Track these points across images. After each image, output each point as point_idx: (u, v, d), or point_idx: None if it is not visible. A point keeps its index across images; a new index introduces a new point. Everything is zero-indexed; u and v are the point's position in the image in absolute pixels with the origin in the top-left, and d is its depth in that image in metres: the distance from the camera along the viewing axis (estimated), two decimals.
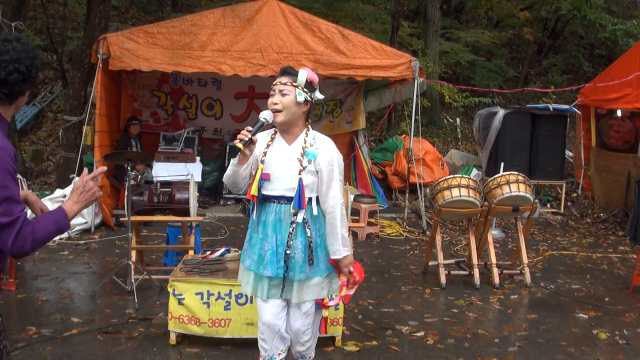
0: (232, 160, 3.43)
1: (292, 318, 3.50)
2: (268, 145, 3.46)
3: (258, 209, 3.46)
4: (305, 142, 3.42)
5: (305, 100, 3.39)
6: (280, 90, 3.36)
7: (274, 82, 3.42)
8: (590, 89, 11.66)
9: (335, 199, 3.39)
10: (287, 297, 3.43)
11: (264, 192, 3.42)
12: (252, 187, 3.42)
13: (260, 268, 3.41)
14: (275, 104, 3.35)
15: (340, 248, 3.40)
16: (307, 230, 3.40)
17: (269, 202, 3.42)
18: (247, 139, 3.24)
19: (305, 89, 3.38)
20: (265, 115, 3.36)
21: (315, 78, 3.46)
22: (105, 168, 2.68)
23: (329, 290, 3.51)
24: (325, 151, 3.42)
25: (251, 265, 3.45)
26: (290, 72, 3.43)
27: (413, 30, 18.34)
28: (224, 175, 3.52)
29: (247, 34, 9.39)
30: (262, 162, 3.40)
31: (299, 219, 3.37)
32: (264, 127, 3.36)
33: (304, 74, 3.40)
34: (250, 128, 3.28)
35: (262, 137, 3.48)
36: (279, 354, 3.51)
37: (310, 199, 3.40)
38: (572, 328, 5.50)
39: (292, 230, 3.37)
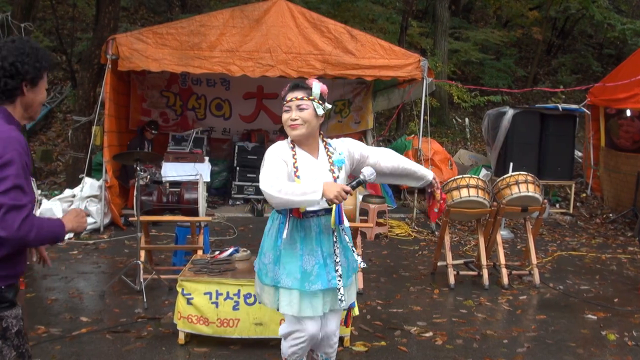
0: (295, 189, 3.15)
1: (328, 322, 3.55)
2: (295, 159, 3.37)
3: (291, 227, 3.36)
4: (327, 151, 3.45)
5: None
6: (298, 106, 3.33)
7: (288, 98, 3.37)
8: (599, 88, 11.61)
9: (383, 149, 3.65)
10: (335, 307, 3.45)
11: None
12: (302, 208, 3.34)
13: (306, 285, 3.32)
14: (295, 119, 3.32)
15: (424, 169, 3.72)
16: (343, 233, 3.48)
17: (307, 217, 3.37)
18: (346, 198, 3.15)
19: (320, 101, 3.38)
20: (369, 174, 3.30)
21: (326, 89, 3.45)
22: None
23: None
24: (345, 144, 3.51)
25: (294, 284, 3.32)
26: (303, 86, 3.39)
27: (422, 30, 18.31)
28: (278, 196, 3.15)
29: (255, 35, 9.40)
30: (298, 177, 3.33)
31: (334, 225, 3.37)
32: (361, 184, 3.33)
33: (318, 87, 3.38)
34: (347, 189, 3.13)
35: (285, 151, 3.38)
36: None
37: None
38: (581, 329, 5.48)
39: (336, 239, 3.40)
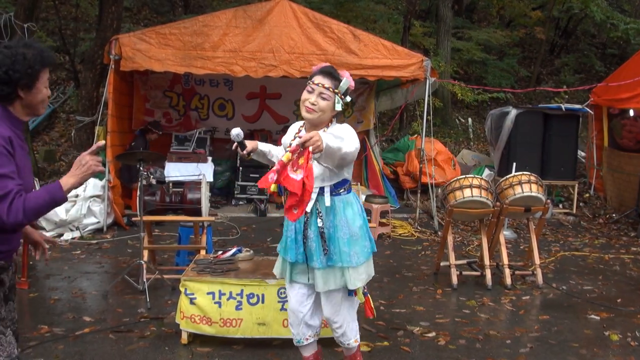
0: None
1: (322, 306, 3.66)
2: (295, 136, 3.57)
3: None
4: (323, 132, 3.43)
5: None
6: (321, 93, 3.39)
7: (315, 81, 3.42)
8: (602, 88, 11.59)
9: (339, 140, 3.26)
10: (313, 282, 3.59)
11: None
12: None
13: (284, 252, 3.64)
14: (313, 104, 3.39)
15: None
16: (319, 220, 3.47)
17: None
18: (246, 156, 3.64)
19: (342, 96, 3.43)
20: (236, 134, 3.51)
21: (353, 85, 3.50)
22: (103, 142, 2.83)
23: (357, 281, 3.58)
24: (335, 128, 3.46)
25: (280, 250, 3.71)
26: (334, 76, 3.46)
27: (425, 29, 18.30)
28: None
29: (258, 35, 9.40)
30: (286, 150, 3.42)
31: (308, 208, 3.42)
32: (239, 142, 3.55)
33: (347, 83, 3.44)
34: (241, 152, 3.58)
35: (293, 127, 3.69)
36: (307, 339, 3.75)
37: (322, 189, 3.48)
38: (584, 329, 5.48)
39: (307, 220, 3.48)
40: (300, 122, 3.66)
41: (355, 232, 3.55)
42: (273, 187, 3.23)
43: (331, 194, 3.49)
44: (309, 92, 3.42)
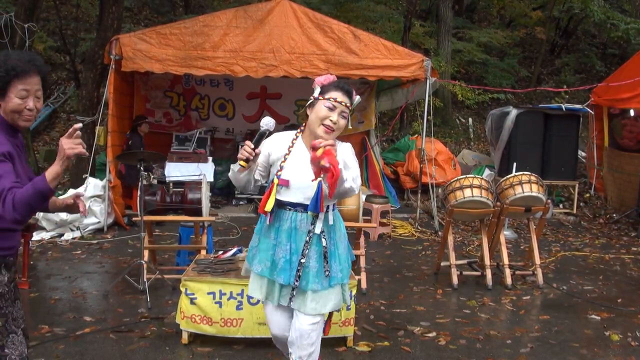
0: (232, 166, 3.29)
1: (299, 321, 3.37)
2: (289, 150, 3.32)
3: (272, 214, 3.32)
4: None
5: None
6: (342, 112, 3.22)
7: (337, 99, 3.20)
8: (602, 88, 11.59)
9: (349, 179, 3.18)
10: (296, 306, 3.35)
11: (280, 197, 3.29)
12: (267, 203, 3.27)
13: (274, 274, 3.32)
14: (335, 123, 3.20)
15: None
16: (323, 240, 3.32)
17: (284, 209, 3.31)
18: (250, 156, 3.15)
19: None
20: (267, 123, 3.24)
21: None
22: (80, 125, 2.69)
23: (341, 300, 3.45)
24: (341, 149, 3.29)
25: (264, 271, 3.35)
26: (350, 92, 3.28)
27: (425, 29, 18.31)
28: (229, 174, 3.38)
29: (259, 35, 9.41)
30: (282, 167, 3.27)
31: (317, 229, 3.28)
32: (266, 135, 3.27)
33: (358, 101, 3.33)
34: (250, 144, 3.16)
35: (284, 139, 3.36)
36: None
37: (327, 207, 3.32)
38: (584, 329, 5.48)
39: (309, 239, 3.29)
40: (289, 134, 3.39)
41: (347, 244, 3.51)
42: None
43: (333, 210, 3.39)
44: (330, 109, 3.20)
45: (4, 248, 2.71)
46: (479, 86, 14.74)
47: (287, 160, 3.29)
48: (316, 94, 3.28)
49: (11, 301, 2.74)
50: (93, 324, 5.17)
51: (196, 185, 7.71)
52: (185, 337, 4.74)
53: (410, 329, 5.30)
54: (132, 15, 18.66)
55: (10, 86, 2.63)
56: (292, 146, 3.33)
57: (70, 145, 2.54)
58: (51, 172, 2.53)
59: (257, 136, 3.21)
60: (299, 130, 3.41)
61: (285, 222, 3.31)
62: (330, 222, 3.34)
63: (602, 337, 5.28)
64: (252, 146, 3.16)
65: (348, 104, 3.23)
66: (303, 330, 3.35)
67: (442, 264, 7.05)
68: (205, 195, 7.15)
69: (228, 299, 4.67)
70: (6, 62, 2.61)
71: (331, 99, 3.20)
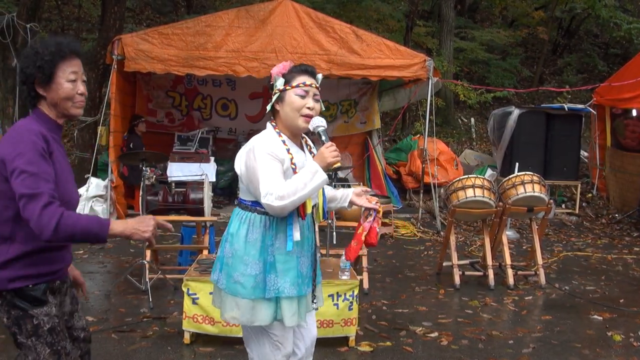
0: (306, 183, 2.79)
1: (311, 326, 3.23)
2: (289, 152, 2.94)
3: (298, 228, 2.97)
4: (308, 146, 3.17)
5: None
6: (315, 95, 2.95)
7: (307, 83, 2.92)
8: (605, 88, 11.58)
9: None
10: (316, 306, 3.16)
11: None
12: (308, 207, 2.94)
13: (303, 289, 2.98)
14: (311, 109, 2.92)
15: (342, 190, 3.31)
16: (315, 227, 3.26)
17: (299, 216, 2.97)
18: (339, 157, 2.87)
19: None
20: (321, 120, 2.96)
21: None
22: (171, 227, 2.59)
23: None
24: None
25: (299, 291, 2.94)
26: (314, 73, 3.01)
27: (427, 29, 18.30)
28: (289, 200, 2.78)
29: (261, 35, 9.41)
30: (295, 170, 2.93)
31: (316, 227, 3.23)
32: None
33: (320, 77, 3.05)
34: (333, 144, 2.89)
35: (278, 144, 2.93)
36: None
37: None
38: (586, 330, 5.47)
39: (316, 235, 3.24)
40: (274, 137, 2.96)
41: None
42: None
43: None
44: (302, 96, 2.91)
45: (47, 274, 2.52)
46: (481, 86, 14.71)
47: (294, 163, 2.93)
48: (280, 85, 2.95)
49: (63, 334, 2.57)
50: (95, 324, 5.17)
51: (198, 185, 7.70)
52: (187, 337, 4.74)
53: (412, 329, 5.30)
54: (134, 15, 18.66)
55: (58, 70, 2.49)
56: (289, 148, 2.95)
57: (147, 229, 2.43)
58: (116, 229, 2.39)
59: (324, 135, 2.94)
60: (275, 131, 3.00)
61: (304, 229, 3.02)
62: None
63: (604, 338, 5.27)
64: (332, 145, 2.87)
65: (317, 85, 2.98)
66: (314, 333, 3.27)
67: (444, 264, 7.05)
68: (207, 195, 7.15)
69: None
70: (48, 46, 2.47)
71: (300, 85, 2.92)
